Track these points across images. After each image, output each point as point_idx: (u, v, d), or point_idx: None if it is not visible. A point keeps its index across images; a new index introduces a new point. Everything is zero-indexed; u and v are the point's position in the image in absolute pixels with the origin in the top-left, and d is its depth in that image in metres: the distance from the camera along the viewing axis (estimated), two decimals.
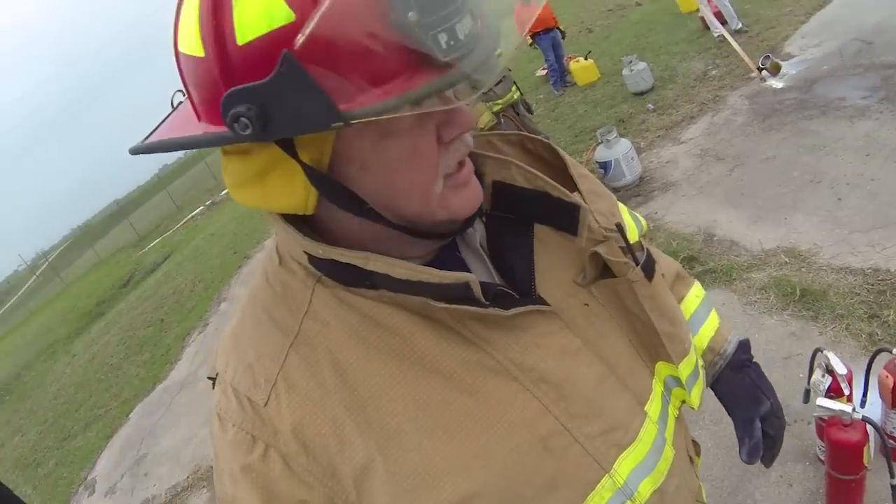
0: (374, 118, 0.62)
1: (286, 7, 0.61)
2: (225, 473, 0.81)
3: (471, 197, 0.80)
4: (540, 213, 0.90)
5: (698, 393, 1.04)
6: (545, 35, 11.09)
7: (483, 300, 0.77)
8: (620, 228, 0.92)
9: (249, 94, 0.61)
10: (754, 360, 1.32)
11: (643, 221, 1.20)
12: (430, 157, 0.74)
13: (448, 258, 0.86)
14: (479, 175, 0.89)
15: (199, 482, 5.66)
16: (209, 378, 0.89)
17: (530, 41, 11.43)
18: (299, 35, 0.60)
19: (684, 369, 0.97)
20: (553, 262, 0.90)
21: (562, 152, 0.97)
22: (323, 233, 0.80)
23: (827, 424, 2.23)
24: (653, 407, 0.93)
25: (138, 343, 11.53)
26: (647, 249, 0.99)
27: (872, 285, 3.65)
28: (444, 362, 0.79)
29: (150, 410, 7.95)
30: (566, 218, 0.89)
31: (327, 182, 0.74)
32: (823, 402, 2.13)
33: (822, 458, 2.62)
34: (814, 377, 2.42)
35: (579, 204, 0.87)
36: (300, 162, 0.71)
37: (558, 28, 11.21)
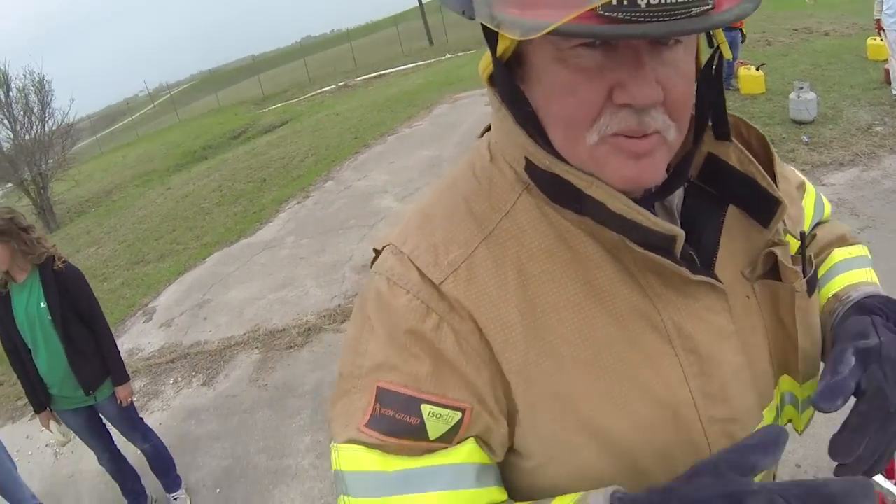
0: (498, 29, 0.66)
1: None
2: (383, 341, 0.80)
3: (632, 170, 0.76)
4: (741, 196, 0.90)
5: (807, 418, 1.02)
6: (725, 32, 10.72)
7: (677, 258, 0.79)
8: (804, 237, 0.92)
9: None
10: None
11: (827, 206, 1.19)
12: (587, 104, 0.73)
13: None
14: (696, 141, 0.89)
15: (254, 342, 5.85)
16: (374, 250, 0.91)
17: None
18: None
19: (805, 390, 0.95)
20: (732, 247, 0.90)
21: (772, 149, 0.95)
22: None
23: None
24: (769, 414, 0.93)
25: (234, 194, 11.66)
26: (816, 268, 0.98)
27: None
28: (617, 303, 0.80)
29: (228, 261, 8.11)
30: (764, 209, 0.88)
31: (501, 69, 0.79)
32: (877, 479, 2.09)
33: None
34: None
35: (781, 199, 0.86)
36: (490, 45, 0.78)
37: (740, 29, 10.81)
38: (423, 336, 0.77)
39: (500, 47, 0.78)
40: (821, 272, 1.13)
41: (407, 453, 0.77)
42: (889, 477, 2.23)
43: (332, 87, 28.68)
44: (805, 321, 0.90)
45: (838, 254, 1.16)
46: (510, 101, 0.83)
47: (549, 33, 0.60)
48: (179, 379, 5.58)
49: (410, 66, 28.22)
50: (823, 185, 6.55)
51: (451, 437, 0.77)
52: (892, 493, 2.02)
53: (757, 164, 0.87)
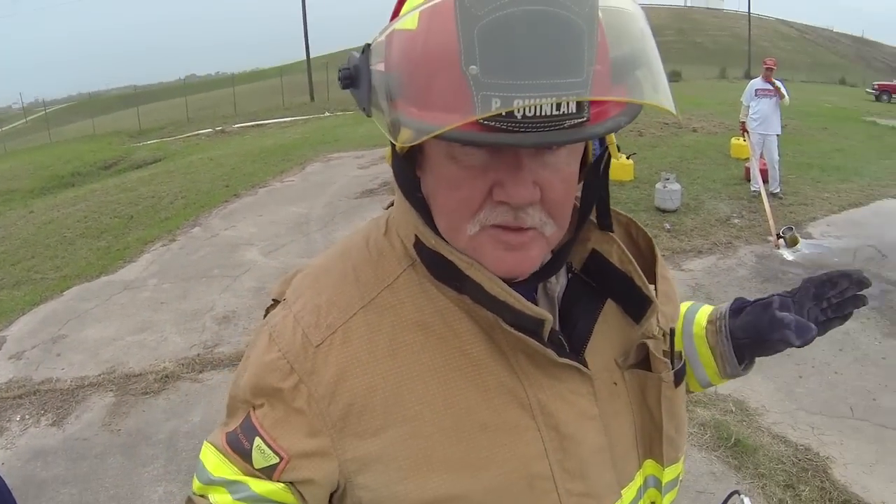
0: (388, 130, 0.76)
1: (416, 21, 0.72)
2: (250, 384, 0.90)
3: (507, 261, 0.83)
4: (617, 292, 0.98)
5: (669, 501, 1.08)
6: None
7: (545, 340, 0.85)
8: (672, 334, 1.01)
9: (353, 60, 0.80)
10: None
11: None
12: (469, 199, 0.80)
13: (524, 293, 0.90)
14: (584, 239, 0.98)
15: (108, 384, 5.57)
16: (273, 300, 0.99)
17: None
18: (377, 36, 0.76)
19: (668, 474, 1.03)
20: (606, 336, 0.97)
21: (657, 251, 1.05)
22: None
23: None
24: (628, 494, 0.99)
25: (100, 228, 11.20)
26: (684, 361, 1.06)
27: (799, 460, 3.85)
28: (485, 377, 0.86)
29: (87, 297, 7.73)
30: (637, 306, 0.97)
31: (398, 158, 0.88)
32: None
33: None
34: None
35: (653, 300, 0.95)
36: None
37: None
38: (280, 392, 0.86)
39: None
40: (679, 322, 1.26)
41: (236, 467, 0.88)
42: None
43: (210, 130, 28.29)
44: (670, 409, 0.98)
45: (685, 304, 1.32)
46: (405, 186, 0.90)
47: (435, 137, 0.68)
48: (27, 416, 5.19)
49: (289, 119, 28.44)
50: (682, 270, 7.02)
51: (269, 474, 0.86)
52: None
53: (635, 264, 0.95)
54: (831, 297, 1.12)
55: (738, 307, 1.21)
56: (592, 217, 0.98)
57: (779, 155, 9.96)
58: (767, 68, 9.82)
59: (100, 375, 5.75)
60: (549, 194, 0.80)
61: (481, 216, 0.80)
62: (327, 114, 28.13)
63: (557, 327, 0.95)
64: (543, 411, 0.88)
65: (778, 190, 9.85)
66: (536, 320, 0.83)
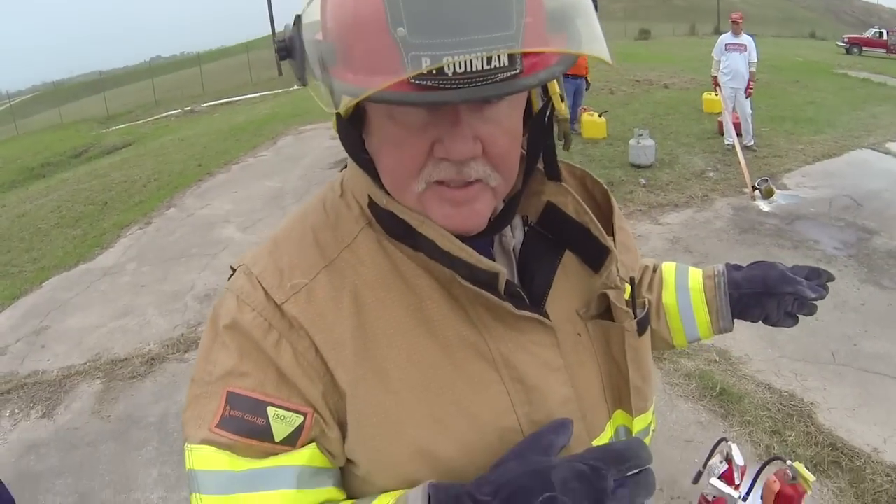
0: (326, 92, 0.76)
1: None
2: (229, 352, 0.87)
3: (455, 218, 0.84)
4: (575, 243, 0.99)
5: None
6: (571, 80, 11.27)
7: (501, 293, 0.86)
8: (633, 283, 1.02)
9: (287, 31, 0.80)
10: None
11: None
12: (411, 157, 0.81)
13: (480, 248, 0.91)
14: (538, 192, 1.00)
15: (95, 371, 5.53)
16: (231, 267, 0.98)
17: None
18: (306, 6, 0.77)
19: (638, 424, 1.04)
20: (567, 287, 0.98)
21: (614, 202, 1.06)
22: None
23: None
24: (599, 443, 0.99)
25: (74, 217, 11.01)
26: (647, 310, 1.07)
27: (784, 406, 3.93)
28: (445, 332, 0.87)
29: (67, 286, 7.64)
30: (595, 256, 0.98)
31: (342, 122, 0.88)
32: (716, 482, 2.27)
33: None
34: (712, 461, 2.56)
35: (611, 248, 0.96)
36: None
37: (585, 78, 11.39)
38: (264, 350, 0.84)
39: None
40: (668, 277, 1.34)
41: (254, 454, 0.83)
42: (728, 483, 2.44)
43: (179, 111, 27.80)
44: (636, 359, 1.00)
45: (669, 264, 1.39)
46: (350, 148, 0.90)
47: (364, 99, 0.69)
48: (17, 411, 5.14)
49: (258, 94, 28.06)
50: (660, 224, 7.07)
51: (294, 440, 0.84)
52: (731, 496, 2.22)
53: (591, 215, 0.96)
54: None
55: (737, 266, 1.31)
56: (541, 167, 1.00)
57: (751, 108, 10.06)
58: (734, 22, 9.95)
59: (86, 364, 5.70)
60: (491, 148, 0.81)
61: (425, 173, 0.81)
62: (296, 87, 27.50)
63: (516, 280, 0.97)
64: (507, 364, 0.89)
65: (752, 143, 9.94)
66: (491, 274, 0.84)
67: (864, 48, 34.35)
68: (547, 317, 0.92)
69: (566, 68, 0.76)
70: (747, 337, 4.78)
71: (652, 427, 1.13)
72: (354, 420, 0.85)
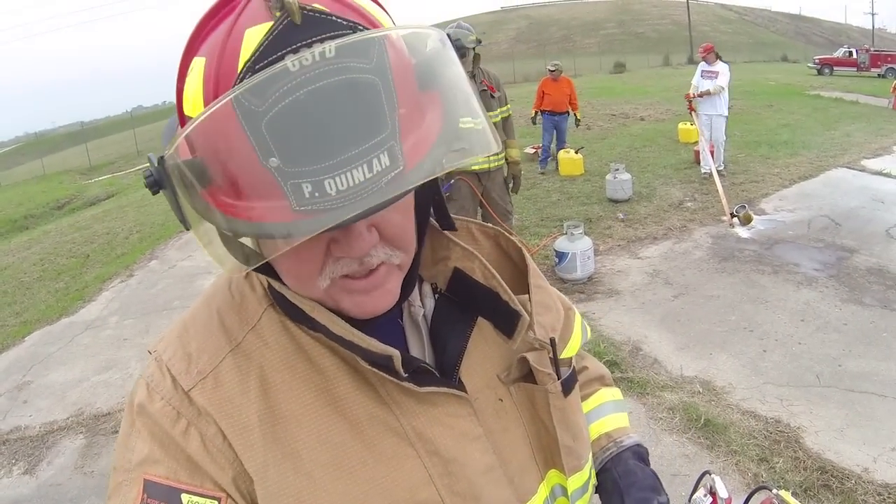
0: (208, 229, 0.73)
1: (202, 107, 0.71)
2: (141, 440, 0.85)
3: (367, 304, 0.83)
4: (486, 309, 0.98)
5: None
6: (549, 116, 11.43)
7: (402, 374, 0.84)
8: (553, 344, 0.99)
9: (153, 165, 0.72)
10: None
11: (589, 331, 1.27)
12: (309, 261, 0.78)
13: (388, 323, 0.92)
14: (445, 258, 0.99)
15: (78, 426, 5.44)
16: (149, 352, 0.95)
17: (534, 115, 11.75)
18: (169, 148, 0.70)
19: (573, 483, 1.03)
20: (485, 353, 0.98)
21: (529, 259, 1.04)
22: None
23: None
24: None
25: (57, 270, 10.94)
26: (574, 368, 1.07)
27: (770, 433, 3.93)
28: (354, 410, 0.86)
29: (49, 341, 7.55)
30: (507, 321, 0.96)
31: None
32: None
33: None
34: (696, 495, 2.56)
35: (521, 314, 0.94)
36: None
37: (573, 113, 11.57)
38: (173, 438, 0.83)
39: None
40: (591, 405, 1.29)
41: None
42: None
43: None
44: (563, 419, 0.99)
45: (606, 393, 1.34)
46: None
47: (255, 236, 0.68)
48: None
49: None
50: (639, 258, 7.13)
51: None
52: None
53: (499, 279, 0.95)
54: None
55: (640, 454, 1.24)
56: (446, 229, 1.00)
57: (725, 136, 10.24)
58: (701, 53, 10.29)
59: (68, 419, 5.61)
60: (386, 230, 0.79)
61: (327, 271, 0.79)
62: None
63: (427, 351, 0.96)
64: (421, 438, 0.88)
65: (722, 167, 10.08)
66: (384, 356, 0.83)
67: (836, 68, 35.05)
68: (461, 386, 0.92)
69: (452, 141, 0.72)
70: (730, 367, 4.81)
71: (592, 482, 1.11)
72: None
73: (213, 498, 0.82)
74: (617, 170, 9.39)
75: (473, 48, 5.76)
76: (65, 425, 5.51)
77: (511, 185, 6.31)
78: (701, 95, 10.01)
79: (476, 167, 5.80)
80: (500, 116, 6.00)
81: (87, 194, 21.87)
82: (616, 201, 9.27)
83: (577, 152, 11.46)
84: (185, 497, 0.81)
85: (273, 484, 0.82)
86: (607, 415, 1.30)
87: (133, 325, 7.56)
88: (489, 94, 5.85)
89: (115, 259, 10.82)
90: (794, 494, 3.19)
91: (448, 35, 0.71)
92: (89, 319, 8.05)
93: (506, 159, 6.14)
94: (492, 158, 5.80)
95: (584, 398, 1.29)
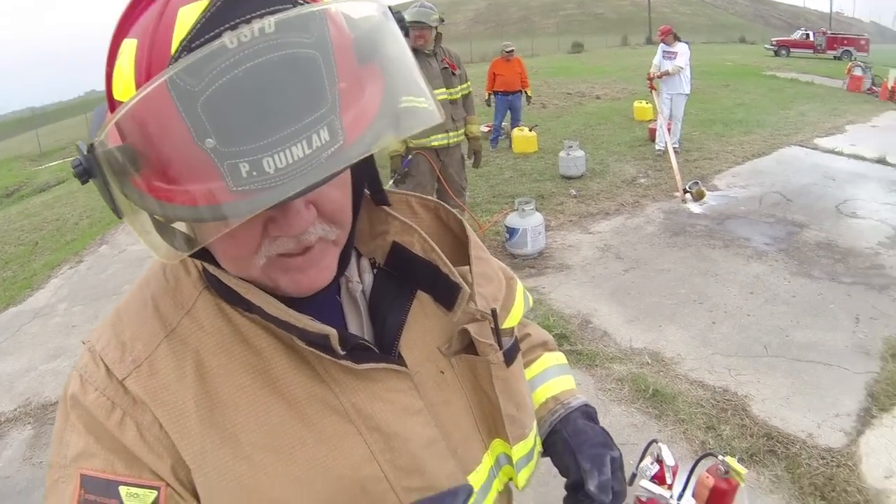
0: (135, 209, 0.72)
1: (133, 90, 0.68)
2: (76, 434, 0.83)
3: (303, 281, 0.82)
4: (425, 282, 0.97)
5: (526, 475, 1.09)
6: (503, 97, 11.45)
7: (339, 352, 0.83)
8: (494, 314, 0.99)
9: (82, 154, 0.72)
10: None
11: (531, 300, 1.26)
12: (246, 242, 0.77)
13: (326, 299, 0.92)
14: (383, 232, 0.98)
15: (26, 417, 5.35)
16: (83, 342, 0.93)
17: (488, 97, 11.76)
18: (100, 134, 0.68)
19: (518, 451, 1.03)
20: (425, 326, 0.98)
21: (469, 231, 1.03)
22: None
23: None
24: (476, 478, 0.99)
25: (4, 259, 10.68)
26: (516, 338, 1.06)
27: (718, 402, 3.99)
28: (292, 390, 0.85)
29: None
30: (447, 293, 0.96)
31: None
32: (647, 484, 2.26)
33: None
34: (643, 463, 2.57)
35: (461, 286, 0.94)
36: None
37: (525, 92, 11.60)
38: (108, 430, 0.80)
39: None
40: (535, 370, 1.29)
41: None
42: (660, 484, 2.43)
43: None
44: (506, 389, 0.99)
45: (550, 358, 1.33)
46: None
47: (194, 221, 0.67)
48: None
49: None
50: (590, 233, 7.18)
51: None
52: (663, 497, 2.21)
53: (439, 252, 0.94)
54: None
55: (589, 416, 1.22)
56: (379, 201, 0.99)
57: (683, 114, 10.34)
58: (659, 37, 10.40)
59: (16, 410, 5.51)
60: (325, 207, 0.78)
61: (263, 250, 0.78)
62: None
63: (367, 326, 0.95)
64: (361, 414, 0.87)
65: (677, 145, 10.17)
66: (321, 335, 0.82)
67: (792, 49, 35.58)
68: (401, 360, 0.91)
69: (398, 129, 0.70)
70: (680, 338, 4.87)
71: (537, 449, 1.12)
72: (206, 492, 0.82)
73: (152, 488, 0.80)
74: (570, 147, 9.42)
75: (436, 27, 5.79)
76: (12, 417, 5.41)
77: (472, 161, 6.46)
78: (661, 76, 10.09)
79: (436, 143, 5.88)
80: (460, 94, 6.05)
81: (36, 181, 21.42)
82: (569, 178, 9.31)
83: (531, 129, 11.50)
84: (123, 489, 0.80)
85: (212, 470, 0.81)
86: (552, 378, 1.30)
87: (82, 311, 7.43)
88: (450, 72, 5.90)
89: (64, 245, 10.62)
90: (741, 460, 3.23)
91: (409, 14, 0.67)
92: (37, 307, 7.89)
93: (466, 135, 6.23)
94: (451, 134, 5.95)
95: (527, 364, 1.29)
